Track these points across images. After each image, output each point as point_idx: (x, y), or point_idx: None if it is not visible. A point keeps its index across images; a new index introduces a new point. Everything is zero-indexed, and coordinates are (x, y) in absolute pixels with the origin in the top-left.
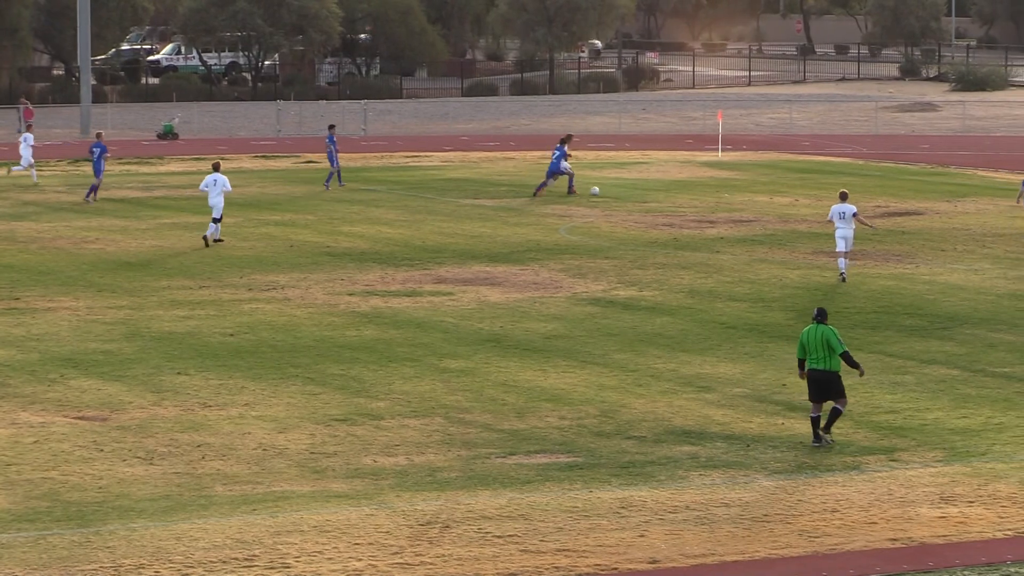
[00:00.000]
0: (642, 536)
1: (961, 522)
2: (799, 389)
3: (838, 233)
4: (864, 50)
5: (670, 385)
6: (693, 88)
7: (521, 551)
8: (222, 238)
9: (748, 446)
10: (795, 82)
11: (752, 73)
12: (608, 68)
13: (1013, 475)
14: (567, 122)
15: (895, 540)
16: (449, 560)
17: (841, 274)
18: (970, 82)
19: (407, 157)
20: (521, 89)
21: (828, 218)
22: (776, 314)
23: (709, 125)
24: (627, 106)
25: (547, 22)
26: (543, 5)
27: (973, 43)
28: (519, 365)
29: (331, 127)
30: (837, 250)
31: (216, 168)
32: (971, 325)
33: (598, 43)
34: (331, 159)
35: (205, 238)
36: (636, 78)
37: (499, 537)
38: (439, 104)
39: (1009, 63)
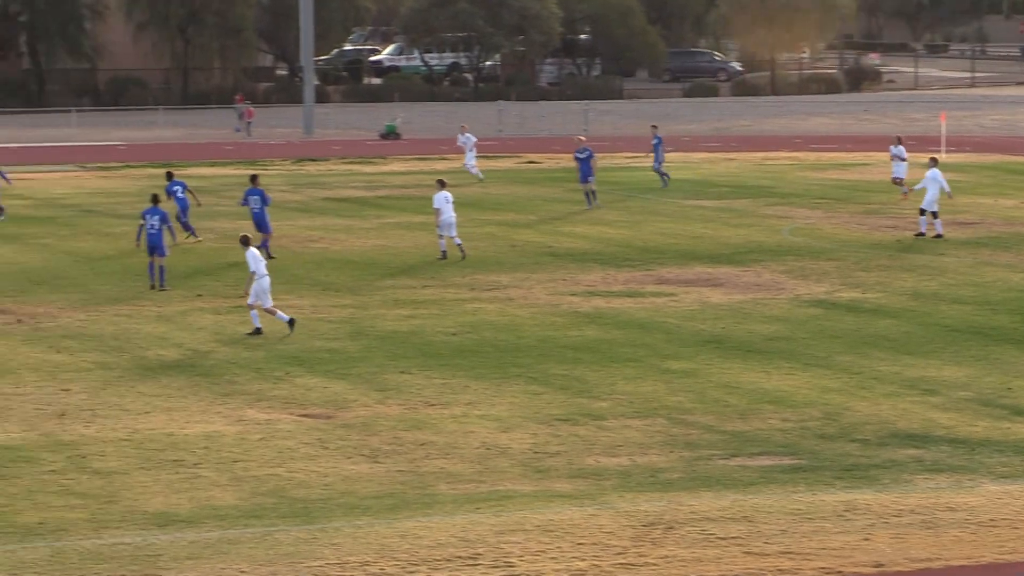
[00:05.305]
0: (866, 539)
1: None
2: None
3: None
4: None
5: (894, 388)
6: (915, 89)
7: (744, 553)
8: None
9: (973, 450)
10: (1019, 83)
11: (975, 74)
12: (829, 69)
13: None
14: (788, 123)
15: None
16: (672, 561)
17: None
18: None
19: (628, 158)
20: (743, 90)
21: None
22: (1002, 317)
23: (931, 126)
24: (848, 107)
25: (769, 22)
26: (764, 5)
27: None
28: (741, 366)
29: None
30: None
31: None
32: None
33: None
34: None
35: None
36: (858, 79)
37: (722, 539)
38: (659, 105)
39: None
